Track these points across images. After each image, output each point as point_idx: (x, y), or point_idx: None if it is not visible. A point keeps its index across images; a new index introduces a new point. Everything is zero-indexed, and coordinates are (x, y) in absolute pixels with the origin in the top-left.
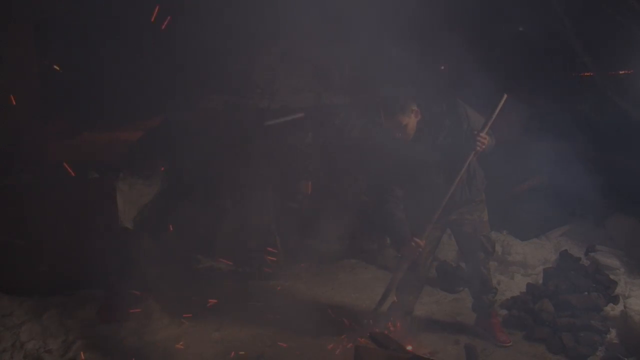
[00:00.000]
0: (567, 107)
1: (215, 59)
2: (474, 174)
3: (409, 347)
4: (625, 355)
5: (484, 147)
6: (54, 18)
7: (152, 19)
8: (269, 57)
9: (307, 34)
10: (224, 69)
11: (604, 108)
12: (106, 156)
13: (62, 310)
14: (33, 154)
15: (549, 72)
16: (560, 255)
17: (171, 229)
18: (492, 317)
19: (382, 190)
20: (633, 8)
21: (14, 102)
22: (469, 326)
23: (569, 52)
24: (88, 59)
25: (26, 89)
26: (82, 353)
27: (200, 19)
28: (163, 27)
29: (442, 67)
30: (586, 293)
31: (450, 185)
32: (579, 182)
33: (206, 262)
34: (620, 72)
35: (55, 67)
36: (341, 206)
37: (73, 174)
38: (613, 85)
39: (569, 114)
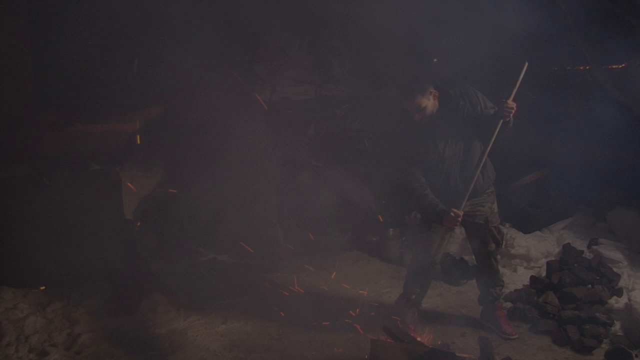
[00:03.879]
0: (567, 102)
1: (216, 50)
2: (485, 165)
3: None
4: (630, 348)
5: (512, 114)
6: (49, 7)
7: None
8: (270, 49)
9: (308, 27)
10: (224, 60)
11: (605, 102)
12: (101, 148)
13: (66, 303)
14: (26, 145)
15: (549, 66)
16: (564, 248)
17: (172, 220)
18: (498, 310)
19: (406, 179)
20: (634, 3)
21: (8, 93)
22: (474, 319)
23: (570, 45)
24: (82, 49)
25: (20, 78)
26: (87, 347)
27: (201, 10)
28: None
29: (435, 60)
30: (590, 286)
31: (482, 157)
32: (581, 175)
33: (208, 255)
34: (616, 66)
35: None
36: (343, 198)
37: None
38: (612, 80)
39: (571, 107)
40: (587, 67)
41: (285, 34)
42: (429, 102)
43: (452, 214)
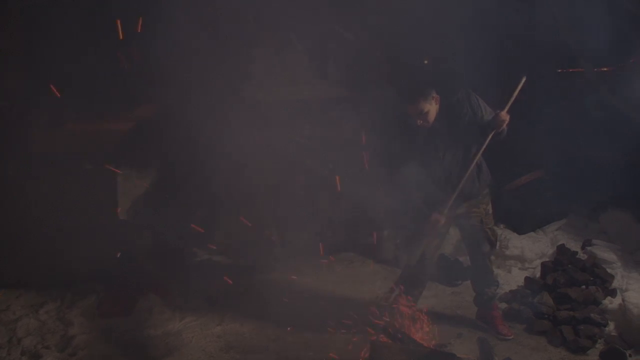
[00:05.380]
0: (562, 103)
1: (210, 49)
2: (481, 167)
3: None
4: (624, 348)
5: (504, 125)
6: (41, 4)
7: None
8: (265, 49)
9: (303, 27)
10: (219, 60)
11: (597, 104)
12: (93, 147)
13: (60, 304)
14: (17, 144)
15: (542, 68)
16: (558, 249)
17: (166, 220)
18: (494, 310)
19: (398, 179)
20: (625, 8)
21: None
22: (470, 319)
23: (563, 48)
24: (74, 46)
25: (10, 76)
26: (81, 349)
27: (194, 8)
28: None
29: (425, 62)
30: (584, 286)
31: (469, 164)
32: (574, 177)
33: (203, 255)
34: (606, 69)
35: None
36: (338, 199)
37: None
38: (604, 82)
39: (563, 109)
40: (579, 70)
41: (281, 33)
42: (432, 107)
43: (432, 217)
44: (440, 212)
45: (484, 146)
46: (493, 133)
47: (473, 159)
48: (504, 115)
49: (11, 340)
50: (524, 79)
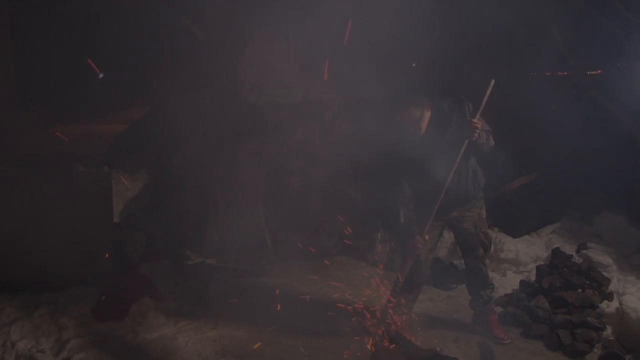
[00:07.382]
0: (554, 107)
1: (203, 52)
2: (475, 171)
3: None
4: (622, 352)
5: (477, 134)
6: (31, 6)
7: None
8: (257, 52)
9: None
10: (212, 62)
11: (589, 107)
12: (83, 149)
13: (54, 308)
14: (6, 146)
15: (533, 70)
16: (553, 253)
17: (159, 224)
18: (490, 314)
19: (392, 187)
20: (614, 8)
21: None
22: (466, 323)
23: (553, 51)
24: (63, 48)
25: (1, 78)
26: (76, 353)
27: (188, 10)
28: None
29: (414, 64)
30: (580, 290)
31: (447, 178)
32: (568, 180)
33: (196, 259)
34: (595, 72)
35: None
36: (331, 203)
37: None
38: (595, 86)
39: (556, 113)
40: (569, 73)
41: (273, 36)
42: (423, 115)
43: (415, 240)
44: (420, 233)
45: (459, 156)
46: (467, 142)
47: (451, 171)
48: (475, 123)
49: (5, 343)
50: (492, 83)
